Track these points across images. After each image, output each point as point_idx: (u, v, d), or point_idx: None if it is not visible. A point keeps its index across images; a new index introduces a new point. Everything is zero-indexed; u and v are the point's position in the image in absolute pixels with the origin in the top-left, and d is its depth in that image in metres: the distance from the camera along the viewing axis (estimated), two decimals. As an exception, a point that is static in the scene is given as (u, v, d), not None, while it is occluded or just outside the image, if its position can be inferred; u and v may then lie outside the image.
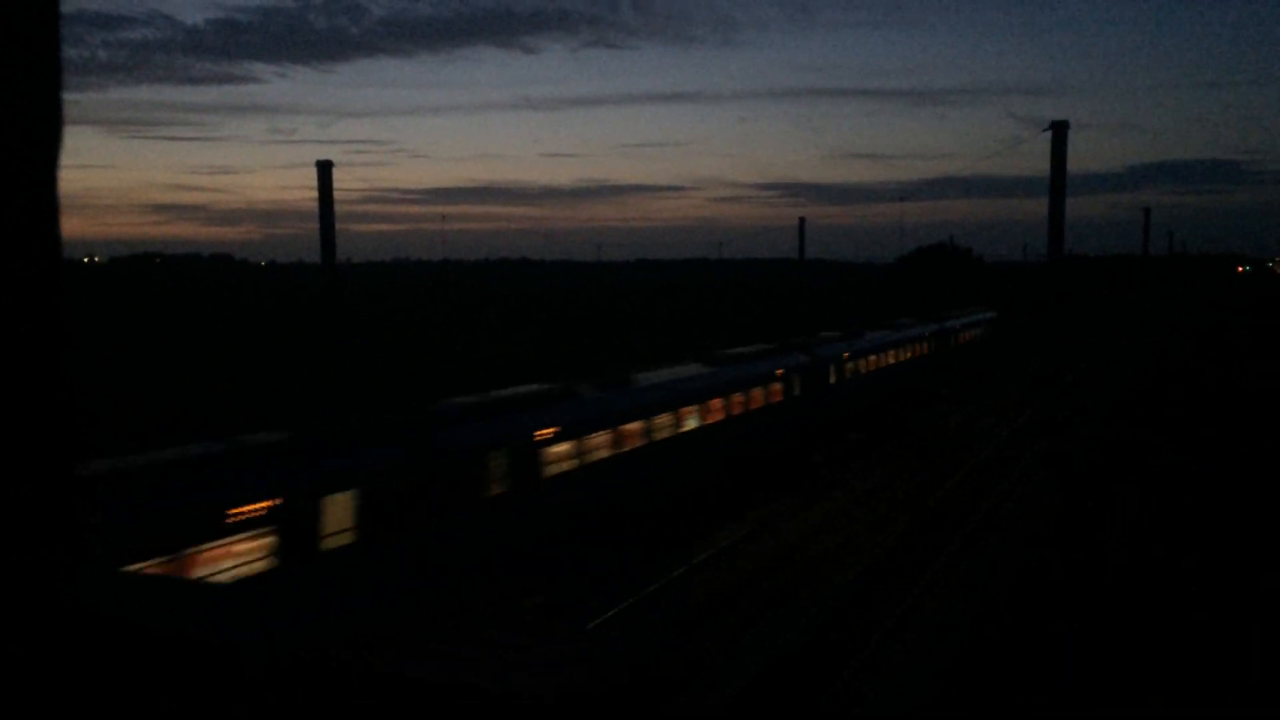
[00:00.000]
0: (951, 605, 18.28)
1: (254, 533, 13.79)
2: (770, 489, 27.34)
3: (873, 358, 42.06)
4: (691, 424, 27.18)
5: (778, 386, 32.89)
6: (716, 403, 28.67)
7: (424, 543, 17.10)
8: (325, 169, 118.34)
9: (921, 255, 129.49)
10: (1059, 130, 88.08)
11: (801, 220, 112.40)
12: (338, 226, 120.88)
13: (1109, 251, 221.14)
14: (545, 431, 20.65)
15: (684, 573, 20.24)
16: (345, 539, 15.51)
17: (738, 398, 29.89)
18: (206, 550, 13.16)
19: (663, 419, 25.37)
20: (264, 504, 14.01)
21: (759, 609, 18.21)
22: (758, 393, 31.45)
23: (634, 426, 24.03)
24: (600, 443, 22.47)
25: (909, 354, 47.48)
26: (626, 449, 23.71)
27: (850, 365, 39.38)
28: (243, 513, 13.77)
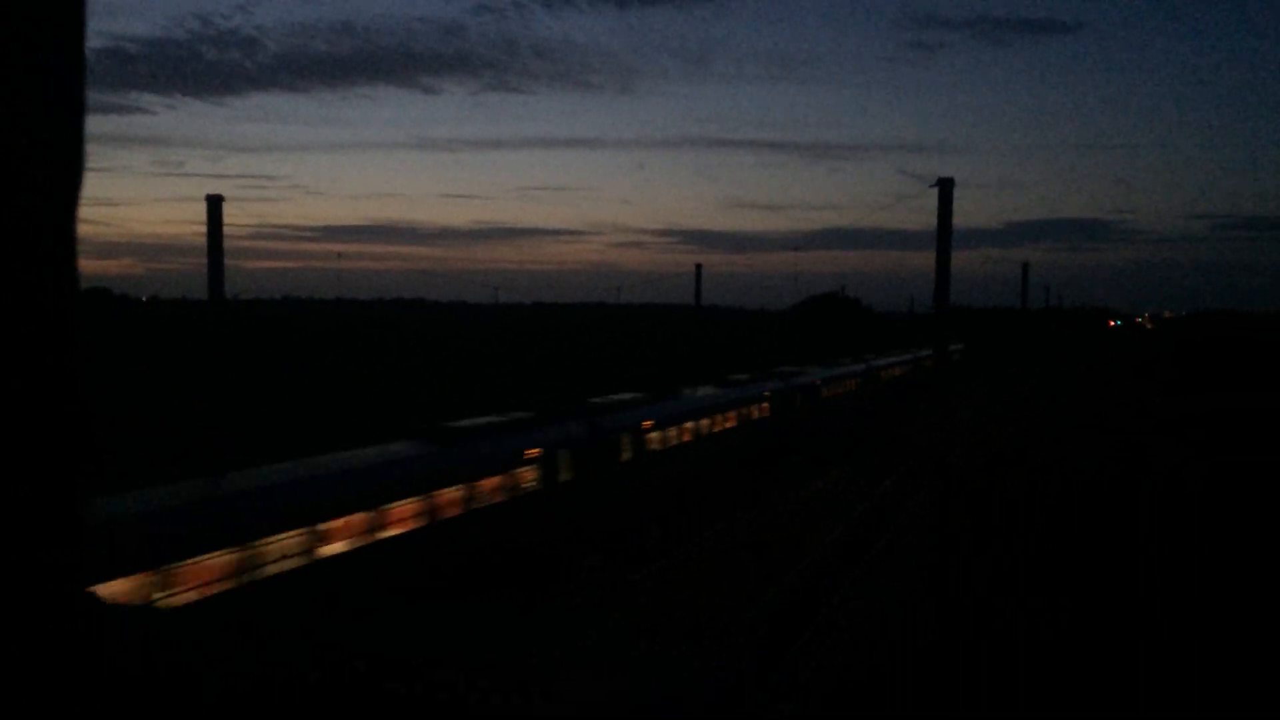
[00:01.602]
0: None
1: None
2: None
3: (689, 425, 32.79)
4: (351, 540, 18.51)
5: (530, 471, 23.68)
6: (405, 509, 19.66)
7: None
8: (215, 204, 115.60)
9: (813, 304, 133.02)
10: (945, 187, 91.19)
11: (698, 267, 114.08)
12: (227, 262, 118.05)
13: (990, 304, 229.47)
14: None
15: None
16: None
17: (449, 495, 20.86)
18: None
19: (285, 542, 16.97)
20: None
21: None
22: (492, 483, 22.21)
23: (275, 545, 16.64)
24: (211, 568, 15.35)
25: (742, 418, 37.26)
26: (269, 574, 16.69)
27: (655, 435, 30.22)
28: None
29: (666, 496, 30.10)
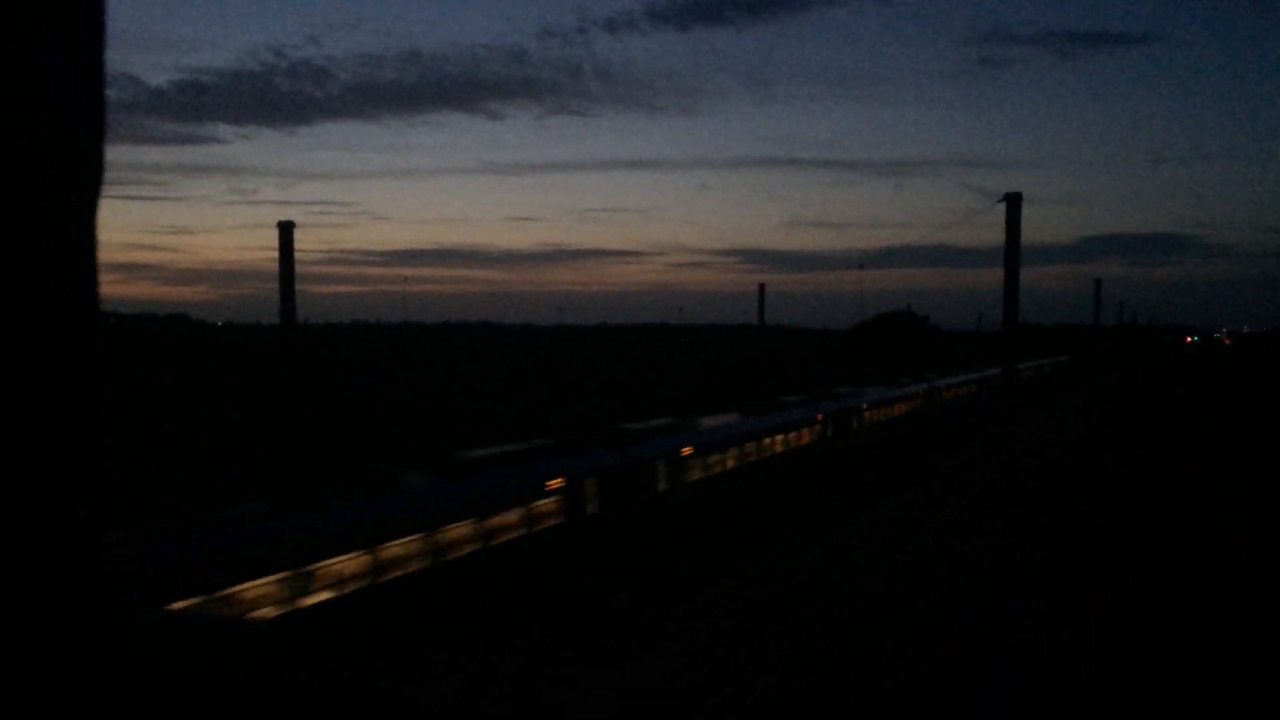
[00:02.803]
0: None
1: None
2: None
3: (951, 392, 61.22)
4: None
5: (914, 401, 52.16)
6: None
7: None
8: (287, 230, 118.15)
9: (878, 322, 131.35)
10: (1013, 202, 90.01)
11: (761, 286, 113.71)
12: (297, 287, 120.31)
13: (1062, 320, 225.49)
14: None
15: None
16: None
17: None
18: None
19: None
20: None
21: None
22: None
23: None
24: None
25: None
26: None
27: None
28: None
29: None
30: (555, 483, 20.85)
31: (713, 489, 27.39)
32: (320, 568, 15.08)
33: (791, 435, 33.70)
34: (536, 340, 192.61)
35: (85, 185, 2.17)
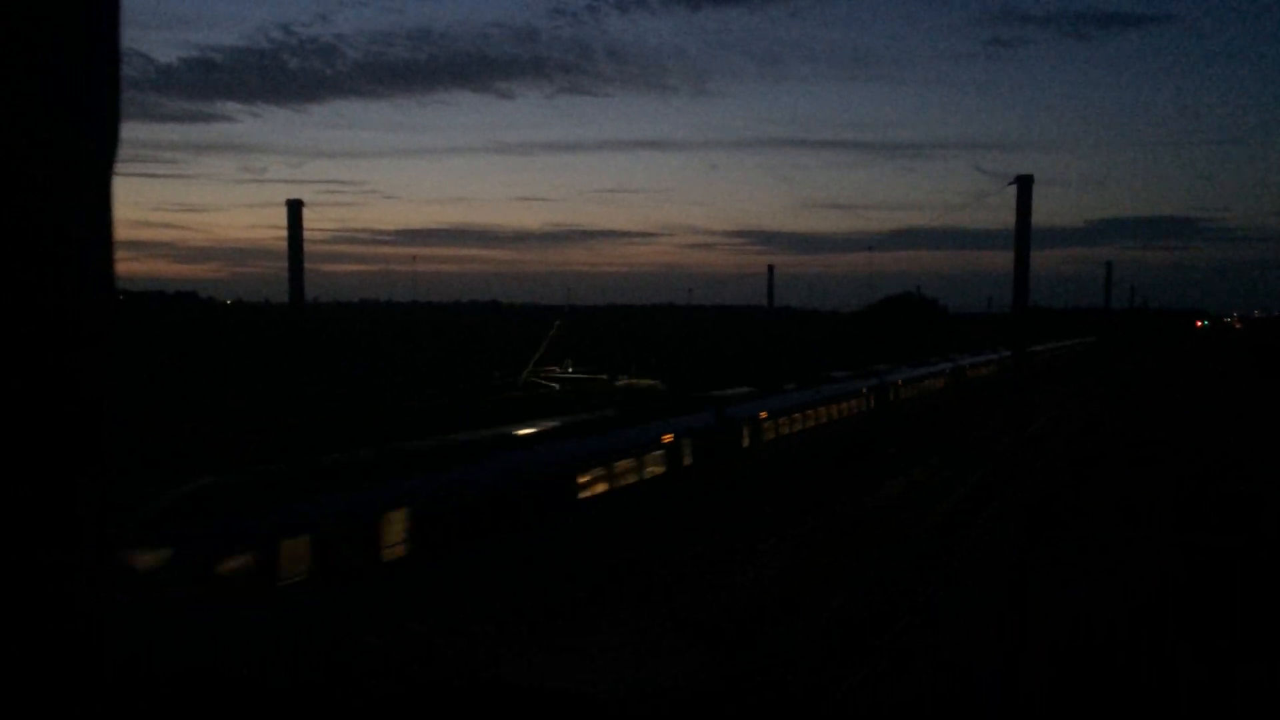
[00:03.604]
0: None
1: None
2: None
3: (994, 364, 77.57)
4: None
5: (987, 367, 71.30)
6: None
7: None
8: (296, 208, 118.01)
9: (887, 305, 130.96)
10: (1023, 184, 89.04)
11: (770, 268, 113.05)
12: (307, 266, 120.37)
13: (1071, 304, 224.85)
14: None
15: None
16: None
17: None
18: None
19: None
20: None
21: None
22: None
23: None
24: None
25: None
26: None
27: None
28: None
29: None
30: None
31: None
32: (789, 419, 37.27)
33: (935, 381, 57.36)
34: (548, 320, 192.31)
35: (95, 176, 2.08)
